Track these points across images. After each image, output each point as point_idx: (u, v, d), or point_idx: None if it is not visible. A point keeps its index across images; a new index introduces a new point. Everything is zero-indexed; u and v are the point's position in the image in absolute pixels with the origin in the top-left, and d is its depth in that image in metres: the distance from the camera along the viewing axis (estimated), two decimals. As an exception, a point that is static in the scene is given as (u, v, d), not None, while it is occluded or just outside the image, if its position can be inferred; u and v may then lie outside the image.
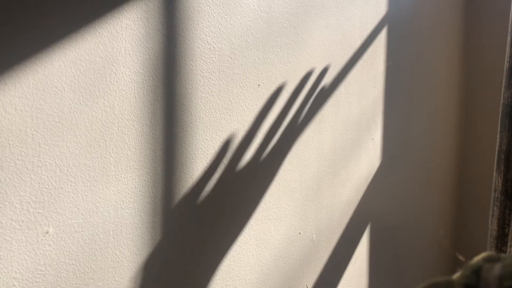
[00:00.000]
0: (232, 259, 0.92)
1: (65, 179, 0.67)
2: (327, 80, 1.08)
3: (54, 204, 0.66)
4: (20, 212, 0.63)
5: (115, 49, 0.71)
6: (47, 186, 0.65)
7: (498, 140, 1.01)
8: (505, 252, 1.00)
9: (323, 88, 1.07)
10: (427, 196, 1.55)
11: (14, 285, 0.63)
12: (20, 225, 0.63)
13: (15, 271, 0.63)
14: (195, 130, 0.83)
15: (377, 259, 1.34)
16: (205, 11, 0.82)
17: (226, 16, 0.86)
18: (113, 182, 0.73)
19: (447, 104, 1.60)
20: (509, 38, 1.00)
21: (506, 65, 0.99)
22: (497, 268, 0.33)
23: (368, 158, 1.25)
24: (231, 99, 0.88)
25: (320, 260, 1.13)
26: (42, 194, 0.65)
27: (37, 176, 0.64)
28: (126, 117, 0.73)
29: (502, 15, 1.52)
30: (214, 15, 0.84)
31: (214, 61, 0.85)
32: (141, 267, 0.78)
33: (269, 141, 0.97)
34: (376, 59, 1.23)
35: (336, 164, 1.14)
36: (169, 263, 0.82)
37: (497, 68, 1.54)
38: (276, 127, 0.98)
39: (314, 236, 1.10)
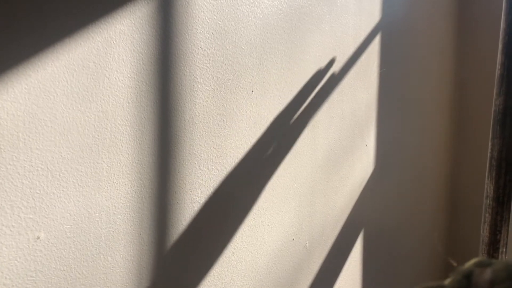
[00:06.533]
0: (225, 266, 0.92)
1: (57, 184, 0.66)
2: (320, 86, 1.08)
3: (46, 210, 0.66)
4: (11, 217, 0.62)
5: (109, 54, 0.71)
6: (38, 191, 0.65)
7: (489, 147, 1.02)
8: (496, 258, 1.01)
9: (316, 95, 1.07)
10: (420, 202, 1.56)
11: (4, 291, 0.63)
12: (11, 231, 0.62)
13: (5, 277, 0.62)
14: (189, 135, 0.83)
15: (370, 264, 1.34)
16: (199, 17, 0.83)
17: (220, 23, 0.86)
18: (105, 188, 0.72)
19: (439, 111, 1.61)
20: (500, 46, 1.01)
21: (497, 72, 1.00)
22: (487, 273, 0.33)
23: (361, 164, 1.26)
24: (225, 105, 0.89)
25: (313, 267, 1.13)
26: (34, 199, 0.64)
27: (29, 181, 0.64)
28: (119, 122, 0.73)
29: (494, 24, 1.54)
30: (209, 21, 0.84)
31: (208, 67, 0.85)
32: (133, 273, 0.77)
33: (263, 147, 0.97)
34: (369, 66, 1.24)
35: (330, 170, 1.14)
36: (162, 269, 0.81)
37: (489, 75, 1.55)
38: (270, 133, 0.98)
39: (307, 242, 1.10)
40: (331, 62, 1.11)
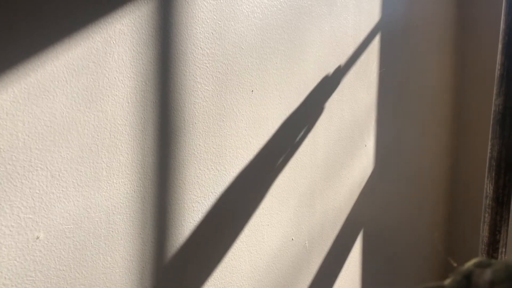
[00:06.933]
0: (224, 266, 0.92)
1: (56, 184, 0.66)
2: (320, 86, 1.08)
3: (45, 209, 0.65)
4: (10, 217, 0.62)
5: (108, 54, 0.71)
6: (38, 191, 0.65)
7: (489, 147, 1.02)
8: (496, 258, 1.01)
9: (316, 95, 1.07)
10: (419, 202, 1.56)
11: (3, 291, 0.62)
12: (10, 231, 0.62)
13: (5, 277, 0.62)
14: (188, 135, 0.83)
15: (369, 264, 1.33)
16: (199, 17, 0.83)
17: (220, 22, 0.86)
18: (104, 188, 0.72)
19: (439, 111, 1.61)
20: (500, 46, 1.00)
21: (497, 72, 1.00)
22: (487, 273, 0.33)
23: (361, 164, 1.26)
24: (224, 105, 0.89)
25: (313, 266, 1.13)
26: (33, 199, 0.64)
27: (28, 181, 0.63)
28: (119, 122, 0.73)
29: (494, 24, 1.54)
30: (208, 21, 0.84)
31: (207, 66, 0.85)
32: (133, 273, 0.77)
33: (262, 147, 0.97)
34: (369, 66, 1.24)
35: (329, 170, 1.14)
36: (161, 269, 0.81)
37: (489, 75, 1.55)
38: (269, 133, 0.98)
39: (307, 242, 1.10)
40: (331, 63, 1.11)
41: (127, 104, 0.74)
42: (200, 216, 0.86)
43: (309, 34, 1.04)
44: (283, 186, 1.02)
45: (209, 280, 0.89)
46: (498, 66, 1.00)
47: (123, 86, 0.73)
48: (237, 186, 0.92)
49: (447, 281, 0.35)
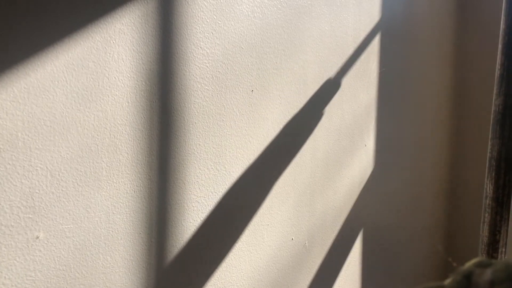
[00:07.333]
0: (224, 265, 0.92)
1: (56, 184, 0.66)
2: (321, 88, 1.08)
3: (45, 209, 0.65)
4: (10, 217, 0.62)
5: (108, 54, 0.71)
6: (38, 191, 0.65)
7: (489, 147, 1.02)
8: (496, 258, 1.01)
9: (316, 95, 1.07)
10: (419, 202, 1.56)
11: (3, 291, 0.62)
12: (10, 230, 0.62)
13: (4, 277, 0.62)
14: (188, 135, 0.83)
15: (369, 264, 1.33)
16: (199, 17, 0.83)
17: (220, 22, 0.86)
18: (104, 187, 0.72)
19: (439, 111, 1.61)
20: (500, 46, 1.00)
21: (497, 72, 1.00)
22: (487, 273, 0.33)
23: (361, 164, 1.26)
24: (224, 104, 0.89)
25: (313, 266, 1.13)
26: (33, 199, 0.64)
27: (28, 181, 0.63)
28: (119, 122, 0.73)
29: (494, 24, 1.54)
30: (208, 21, 0.84)
31: (207, 66, 0.85)
32: (132, 273, 0.77)
33: (262, 147, 0.96)
34: (369, 66, 1.24)
35: (329, 170, 1.14)
36: (161, 269, 0.81)
37: (489, 75, 1.55)
38: (269, 133, 0.98)
39: (306, 242, 1.10)
40: (330, 63, 1.11)
41: (127, 104, 0.73)
42: (200, 216, 0.86)
43: (309, 34, 1.04)
44: (283, 185, 1.02)
45: (209, 279, 0.89)
46: (498, 66, 1.00)
47: (123, 86, 0.73)
48: (237, 185, 0.92)
49: (447, 281, 0.35)
